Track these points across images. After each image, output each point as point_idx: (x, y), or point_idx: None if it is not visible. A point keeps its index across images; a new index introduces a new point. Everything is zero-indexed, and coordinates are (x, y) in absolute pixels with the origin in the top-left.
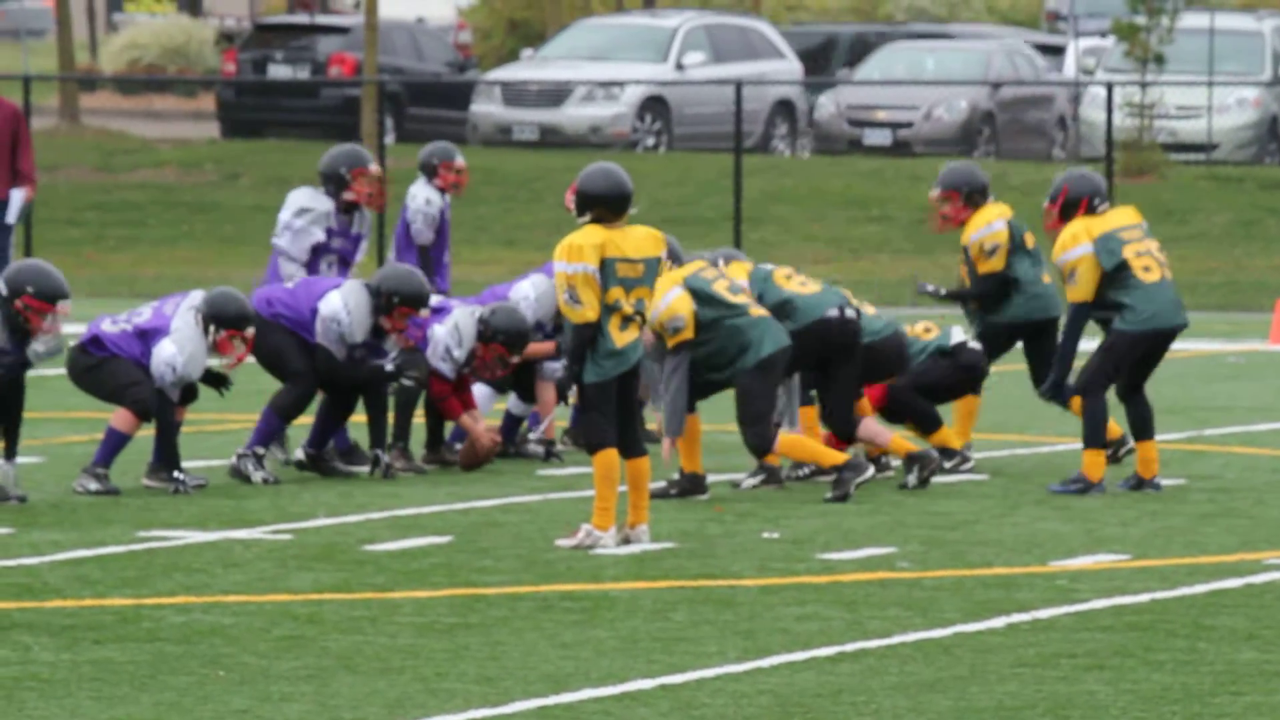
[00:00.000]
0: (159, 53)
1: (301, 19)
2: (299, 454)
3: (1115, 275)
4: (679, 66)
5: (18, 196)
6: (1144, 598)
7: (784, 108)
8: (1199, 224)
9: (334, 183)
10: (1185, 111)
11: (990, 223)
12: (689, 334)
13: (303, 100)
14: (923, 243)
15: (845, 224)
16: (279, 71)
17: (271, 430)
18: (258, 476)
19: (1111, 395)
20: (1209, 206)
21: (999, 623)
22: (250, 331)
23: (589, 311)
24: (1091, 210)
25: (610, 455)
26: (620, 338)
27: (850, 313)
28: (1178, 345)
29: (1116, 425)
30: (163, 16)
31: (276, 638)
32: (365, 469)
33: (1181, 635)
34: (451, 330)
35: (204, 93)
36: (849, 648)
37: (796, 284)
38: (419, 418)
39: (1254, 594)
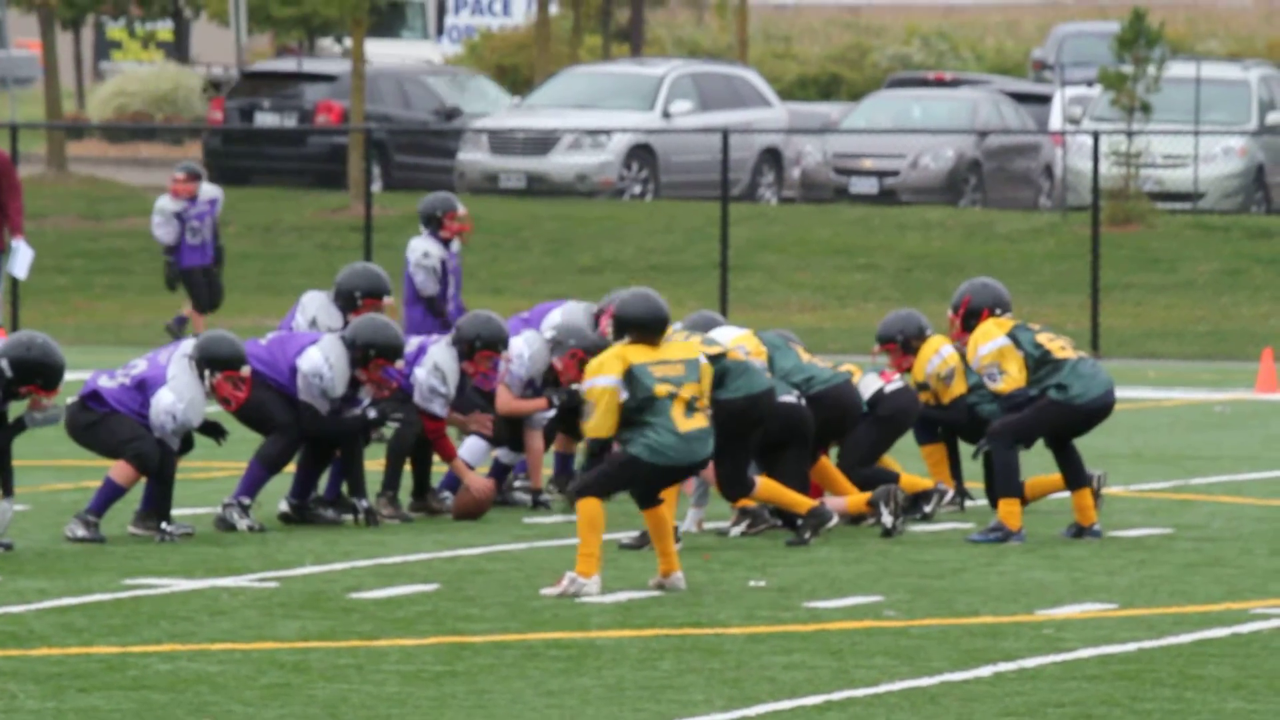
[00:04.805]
0: (146, 100)
1: (289, 65)
2: (283, 506)
3: (1039, 364)
4: (666, 115)
5: (24, 251)
6: (1131, 647)
7: (771, 156)
8: (1185, 273)
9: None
10: (1172, 160)
11: (938, 351)
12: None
13: (290, 148)
14: (909, 290)
15: (832, 272)
16: (266, 119)
17: (257, 480)
18: (243, 524)
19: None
20: (1195, 255)
21: (986, 672)
22: (246, 370)
23: (596, 428)
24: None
25: (593, 504)
26: (684, 423)
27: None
28: (1164, 394)
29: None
30: (150, 64)
31: (263, 686)
32: (350, 517)
33: (1168, 685)
34: (432, 370)
35: (191, 140)
36: (836, 696)
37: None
38: (407, 466)
39: (1240, 643)
